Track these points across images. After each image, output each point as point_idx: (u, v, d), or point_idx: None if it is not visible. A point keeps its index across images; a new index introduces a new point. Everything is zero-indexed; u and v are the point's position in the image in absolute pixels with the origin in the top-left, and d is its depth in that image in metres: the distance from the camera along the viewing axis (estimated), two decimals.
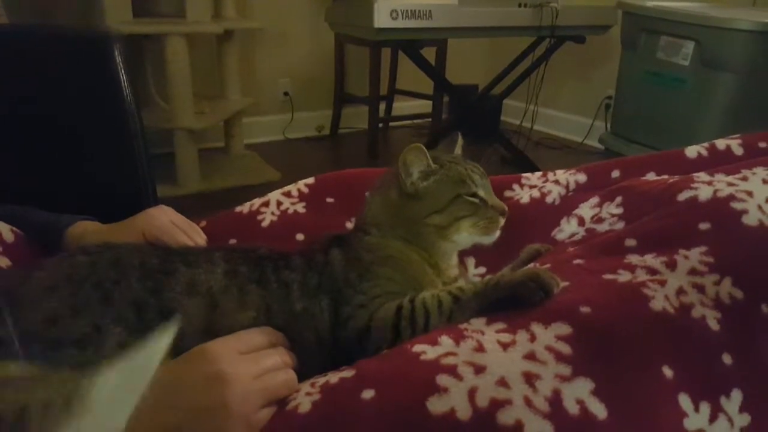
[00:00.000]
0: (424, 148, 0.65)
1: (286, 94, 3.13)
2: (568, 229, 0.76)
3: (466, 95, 3.05)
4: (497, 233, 0.67)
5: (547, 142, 3.21)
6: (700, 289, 0.53)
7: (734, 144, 0.81)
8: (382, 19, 2.04)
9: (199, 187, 2.40)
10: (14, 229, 0.74)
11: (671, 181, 0.70)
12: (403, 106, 3.38)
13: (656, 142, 2.10)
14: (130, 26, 2.20)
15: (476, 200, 0.65)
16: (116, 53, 1.04)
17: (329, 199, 0.88)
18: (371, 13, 2.02)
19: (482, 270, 0.80)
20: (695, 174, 0.70)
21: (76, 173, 1.00)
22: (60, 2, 2.43)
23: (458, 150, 0.75)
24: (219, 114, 2.54)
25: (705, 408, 0.47)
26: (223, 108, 2.60)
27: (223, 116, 2.59)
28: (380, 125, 3.16)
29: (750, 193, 0.61)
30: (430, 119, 3.27)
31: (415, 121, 3.34)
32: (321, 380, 0.50)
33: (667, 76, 2.02)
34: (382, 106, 3.27)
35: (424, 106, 3.24)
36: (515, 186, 0.90)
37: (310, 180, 0.89)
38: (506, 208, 0.67)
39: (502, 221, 0.66)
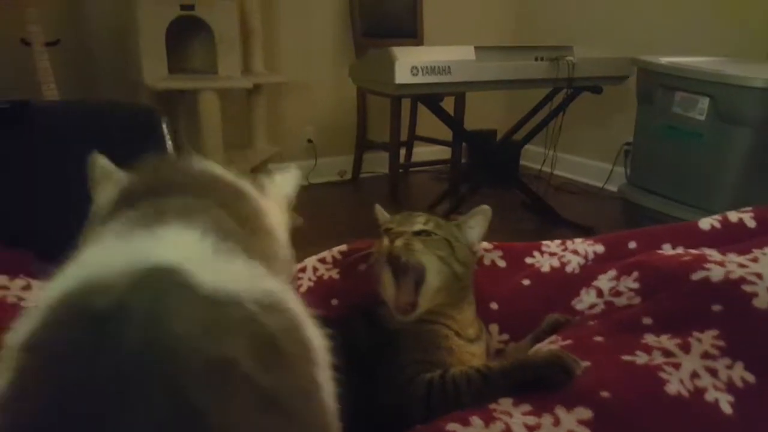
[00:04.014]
0: None
1: (309, 141, 3.24)
2: (587, 299, 0.80)
3: (485, 141, 3.12)
4: None
5: (568, 187, 3.25)
6: (713, 372, 0.57)
7: (746, 217, 0.85)
8: (402, 76, 2.13)
9: None
10: None
11: (685, 258, 0.74)
12: (422, 151, 3.47)
13: (674, 193, 2.13)
14: (165, 82, 2.33)
15: None
16: (163, 125, 1.14)
17: (361, 266, 0.93)
18: (392, 70, 2.11)
19: (506, 336, 0.84)
20: (708, 252, 0.74)
21: None
22: (102, 67, 2.61)
23: None
24: (247, 162, 2.65)
25: None
26: (251, 157, 2.70)
27: (250, 165, 2.69)
28: (401, 170, 3.24)
29: (759, 276, 0.65)
30: (449, 164, 3.34)
31: (435, 166, 3.42)
32: None
33: (684, 130, 2.07)
34: (403, 152, 3.35)
35: (444, 151, 3.32)
36: (536, 253, 0.94)
37: (343, 247, 0.94)
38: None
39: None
